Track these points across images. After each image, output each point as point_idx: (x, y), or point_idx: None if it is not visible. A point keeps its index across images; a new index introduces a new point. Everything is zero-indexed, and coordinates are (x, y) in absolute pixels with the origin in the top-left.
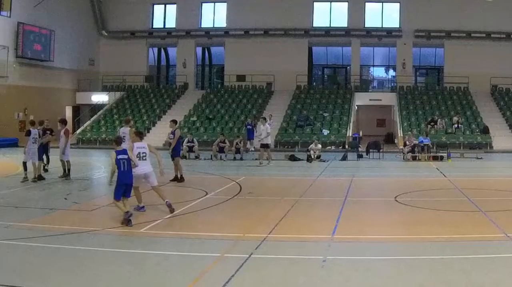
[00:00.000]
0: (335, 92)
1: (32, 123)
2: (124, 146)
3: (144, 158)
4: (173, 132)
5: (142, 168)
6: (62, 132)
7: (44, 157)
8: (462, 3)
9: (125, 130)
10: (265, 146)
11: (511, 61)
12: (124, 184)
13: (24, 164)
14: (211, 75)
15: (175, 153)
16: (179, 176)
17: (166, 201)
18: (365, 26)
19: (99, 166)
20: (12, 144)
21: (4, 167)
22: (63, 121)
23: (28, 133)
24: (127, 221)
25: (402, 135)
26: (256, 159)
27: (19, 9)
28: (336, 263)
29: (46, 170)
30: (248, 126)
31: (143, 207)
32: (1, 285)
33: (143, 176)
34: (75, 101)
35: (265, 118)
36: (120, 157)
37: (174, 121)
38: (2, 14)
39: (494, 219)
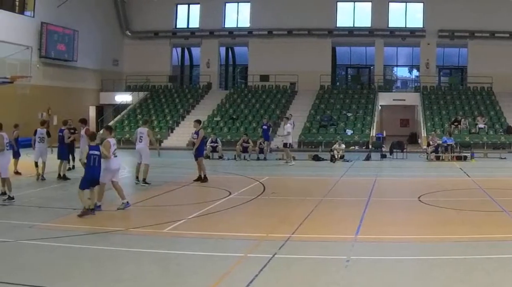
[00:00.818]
0: (359, 92)
1: (42, 123)
2: (141, 145)
3: (116, 154)
4: (196, 132)
5: (117, 163)
6: (83, 132)
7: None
8: (486, 3)
9: (142, 131)
10: (284, 145)
11: None
12: (91, 178)
13: (36, 163)
14: (235, 75)
15: (199, 153)
16: (202, 175)
17: (125, 202)
18: (389, 26)
19: (122, 166)
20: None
21: (28, 167)
22: (84, 122)
23: (35, 133)
24: (83, 214)
25: (425, 135)
26: (279, 159)
27: (42, 9)
28: (359, 263)
29: (72, 167)
30: (264, 127)
31: (100, 206)
32: (25, 285)
33: (117, 170)
34: (99, 101)
35: (287, 118)
36: (91, 152)
37: (198, 121)
38: (25, 14)
39: None
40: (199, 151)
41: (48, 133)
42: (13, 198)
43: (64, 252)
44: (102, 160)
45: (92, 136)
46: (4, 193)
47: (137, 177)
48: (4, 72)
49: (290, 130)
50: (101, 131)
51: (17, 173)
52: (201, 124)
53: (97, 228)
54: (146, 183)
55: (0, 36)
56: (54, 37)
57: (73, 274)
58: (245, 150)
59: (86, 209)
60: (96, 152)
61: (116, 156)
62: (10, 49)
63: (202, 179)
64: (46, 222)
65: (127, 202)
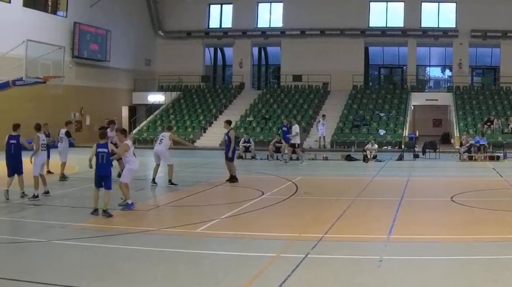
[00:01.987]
0: (392, 92)
1: (66, 123)
2: (161, 147)
3: (135, 155)
4: (227, 134)
5: (137, 163)
6: (113, 133)
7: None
8: None
9: (165, 134)
10: (292, 145)
11: None
12: (100, 175)
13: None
14: (267, 75)
15: (230, 157)
16: (234, 175)
17: (129, 202)
18: (421, 26)
19: (153, 165)
20: (68, 144)
21: (59, 168)
22: (113, 123)
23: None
24: (93, 213)
25: (458, 135)
26: (312, 159)
27: (75, 9)
28: (392, 263)
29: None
30: (284, 128)
31: (132, 203)
32: (57, 285)
33: (138, 171)
34: (131, 101)
35: (295, 119)
36: (99, 150)
37: (228, 122)
38: (58, 15)
39: None
40: (232, 154)
41: (68, 134)
42: (37, 196)
43: (96, 252)
44: (126, 161)
45: (101, 135)
46: (47, 192)
47: (153, 179)
48: (37, 72)
49: (298, 131)
50: (134, 132)
51: (49, 172)
52: (232, 125)
53: (129, 228)
54: (172, 183)
55: (32, 36)
56: (87, 37)
57: (106, 274)
58: (277, 150)
59: (95, 209)
60: (104, 150)
61: (135, 157)
62: (42, 49)
63: (231, 180)
64: (78, 222)
65: (132, 203)
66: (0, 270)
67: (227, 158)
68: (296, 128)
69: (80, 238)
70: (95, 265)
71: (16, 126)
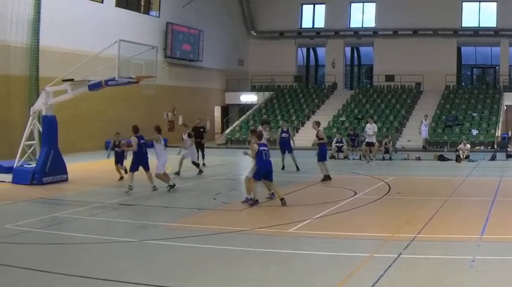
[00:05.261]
0: (484, 92)
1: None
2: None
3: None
4: (317, 135)
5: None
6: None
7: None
8: None
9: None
10: (370, 145)
11: None
12: (265, 171)
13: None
14: (360, 75)
15: (319, 157)
16: (327, 175)
17: (271, 193)
18: None
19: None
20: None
21: (153, 167)
22: (185, 125)
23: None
24: (251, 203)
25: None
26: (404, 159)
27: (167, 9)
28: (485, 263)
29: (199, 164)
30: (351, 137)
31: (250, 199)
32: (148, 285)
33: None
34: (224, 101)
35: (372, 117)
36: (261, 148)
37: (317, 123)
38: (151, 15)
39: None
40: (319, 155)
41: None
42: (174, 185)
43: (188, 252)
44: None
45: (260, 135)
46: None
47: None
48: (130, 72)
49: (376, 130)
50: (226, 131)
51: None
52: (319, 126)
53: (222, 228)
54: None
55: (125, 36)
56: (179, 37)
57: (197, 274)
58: (339, 149)
59: (255, 200)
60: (265, 148)
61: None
62: (135, 49)
63: (324, 179)
64: (171, 222)
65: (273, 193)
66: (93, 270)
67: (318, 158)
68: (374, 127)
69: (172, 238)
70: (187, 265)
71: (137, 128)
